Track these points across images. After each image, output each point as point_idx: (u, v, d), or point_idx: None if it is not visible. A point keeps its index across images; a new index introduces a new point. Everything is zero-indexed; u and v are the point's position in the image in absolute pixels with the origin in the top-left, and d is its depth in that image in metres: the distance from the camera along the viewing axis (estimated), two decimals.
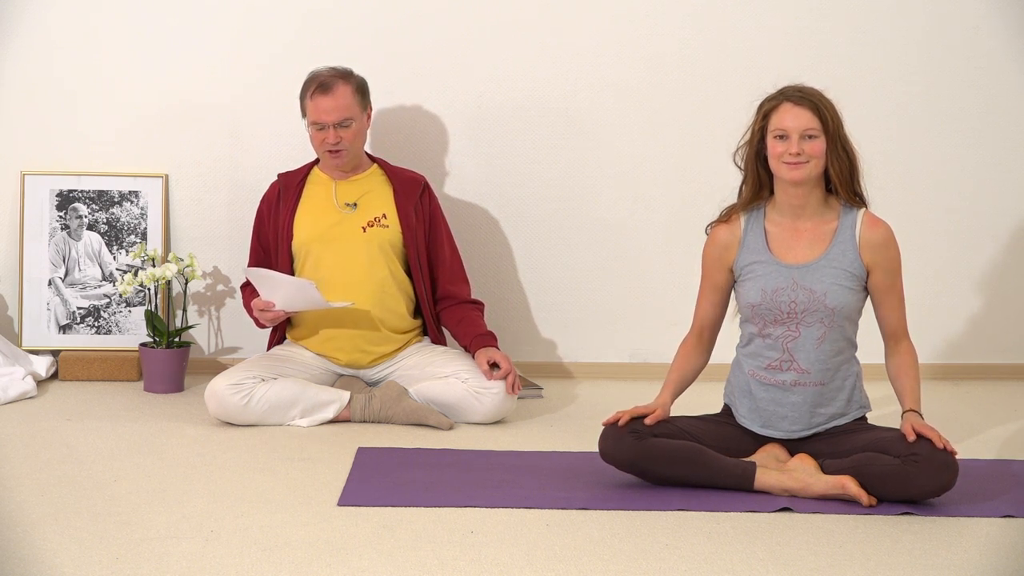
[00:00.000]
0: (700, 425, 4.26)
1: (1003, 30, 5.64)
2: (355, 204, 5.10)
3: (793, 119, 4.11)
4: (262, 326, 5.08)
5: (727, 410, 4.34)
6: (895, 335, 4.27)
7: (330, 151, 5.03)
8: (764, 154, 4.20)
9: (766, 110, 4.18)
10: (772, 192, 4.25)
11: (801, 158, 4.10)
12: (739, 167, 4.28)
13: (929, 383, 5.55)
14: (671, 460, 4.11)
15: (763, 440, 4.25)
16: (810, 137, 4.11)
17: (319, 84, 5.01)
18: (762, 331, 4.21)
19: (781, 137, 4.13)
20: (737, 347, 4.35)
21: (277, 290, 4.89)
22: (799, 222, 4.21)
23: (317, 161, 5.19)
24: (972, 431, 4.90)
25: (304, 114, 5.06)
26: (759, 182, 4.24)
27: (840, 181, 4.15)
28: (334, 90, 5.00)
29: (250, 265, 5.16)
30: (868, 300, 4.26)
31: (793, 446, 4.23)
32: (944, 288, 5.72)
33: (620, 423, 4.18)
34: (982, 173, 5.71)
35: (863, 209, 4.21)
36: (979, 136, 5.68)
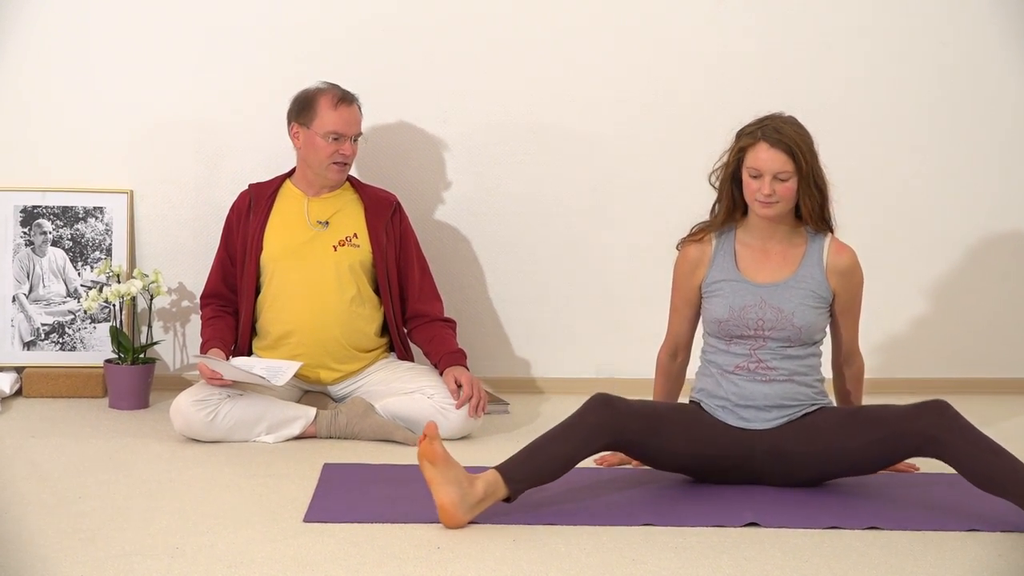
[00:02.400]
0: (669, 413, 4.28)
1: (969, 45, 5.68)
2: (327, 222, 5.09)
3: (767, 161, 4.17)
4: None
5: (696, 406, 4.35)
6: (849, 351, 4.45)
7: (339, 163, 5.03)
8: (740, 178, 4.27)
9: (743, 144, 4.23)
10: (745, 213, 4.33)
11: (772, 198, 4.19)
12: (714, 187, 4.34)
13: (894, 397, 5.55)
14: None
15: (735, 431, 4.26)
16: (782, 180, 4.18)
17: (341, 96, 5.02)
18: (728, 344, 4.30)
19: (755, 176, 4.20)
20: (702, 356, 4.40)
21: (228, 370, 4.84)
22: (768, 244, 4.31)
23: (289, 174, 5.18)
24: None
25: (305, 124, 5.02)
26: (733, 204, 4.31)
27: (810, 215, 4.25)
28: (353, 104, 5.05)
29: (212, 277, 5.17)
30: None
31: (766, 437, 4.25)
32: (906, 302, 5.76)
33: (605, 465, 4.51)
34: (945, 188, 5.76)
35: (830, 235, 4.32)
36: (943, 152, 5.73)
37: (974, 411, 5.47)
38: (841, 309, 4.33)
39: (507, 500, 4.04)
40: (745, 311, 4.25)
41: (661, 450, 4.24)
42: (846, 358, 4.44)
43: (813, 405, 4.27)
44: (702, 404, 4.33)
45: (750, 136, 4.22)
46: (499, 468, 4.05)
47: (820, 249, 4.30)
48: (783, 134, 4.17)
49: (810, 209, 4.23)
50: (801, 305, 4.24)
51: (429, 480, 3.95)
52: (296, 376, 4.99)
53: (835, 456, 4.23)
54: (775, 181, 4.18)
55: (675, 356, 4.50)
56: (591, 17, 5.60)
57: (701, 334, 4.42)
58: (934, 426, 4.09)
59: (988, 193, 5.76)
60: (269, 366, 4.90)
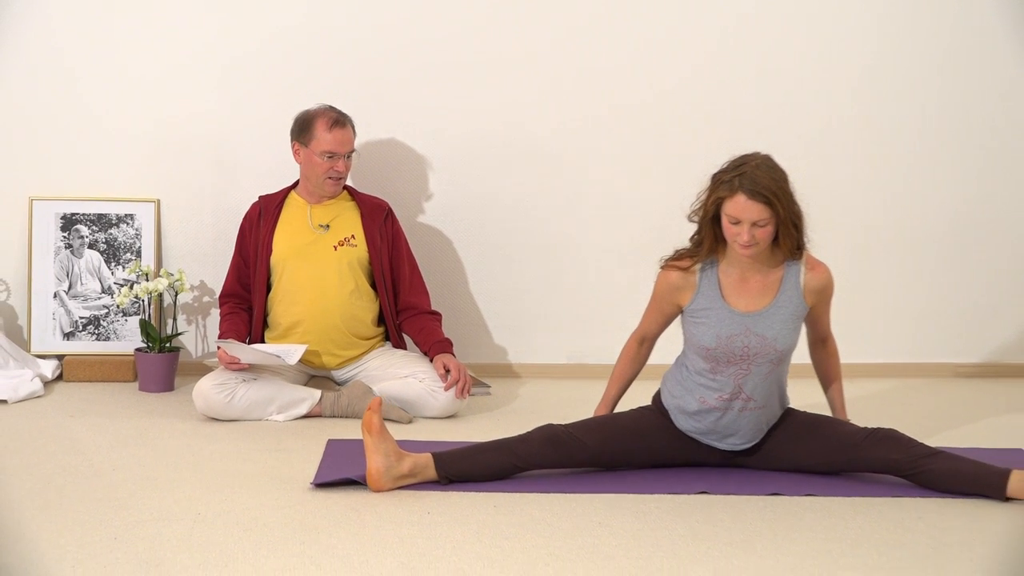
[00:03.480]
0: (623, 441, 4.23)
1: (926, 58, 5.71)
2: (327, 226, 5.14)
3: (746, 211, 3.99)
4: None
5: (661, 409, 4.29)
6: (824, 335, 4.40)
7: (334, 178, 5.07)
8: (719, 216, 4.08)
9: (722, 195, 4.02)
10: (726, 243, 4.14)
11: (751, 242, 4.03)
12: (692, 222, 4.16)
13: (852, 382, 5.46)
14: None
15: (700, 447, 4.26)
16: (761, 226, 4.02)
17: (335, 119, 5.05)
18: (714, 368, 4.16)
19: (734, 223, 4.03)
20: (683, 367, 4.27)
21: (245, 354, 4.86)
22: (748, 273, 4.16)
23: (294, 186, 5.22)
24: (868, 422, 4.80)
25: (304, 143, 5.06)
26: (715, 240, 4.13)
27: (787, 249, 4.10)
28: (346, 125, 5.08)
29: (229, 278, 5.21)
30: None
31: (727, 455, 4.26)
32: (854, 293, 5.70)
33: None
34: (908, 189, 5.79)
35: (804, 254, 4.17)
36: (906, 153, 5.77)
37: (907, 393, 5.38)
38: (816, 313, 4.26)
39: (438, 481, 4.08)
40: (731, 340, 4.10)
41: (615, 466, 4.24)
42: (822, 340, 4.38)
43: (774, 417, 4.26)
44: (670, 416, 4.26)
45: (728, 186, 4.00)
46: (435, 454, 4.07)
47: (797, 272, 4.15)
48: (759, 184, 3.96)
49: (786, 245, 4.08)
50: (783, 330, 4.12)
51: (365, 446, 4.01)
52: (303, 362, 5.05)
53: (792, 469, 4.24)
54: (754, 228, 4.00)
55: (642, 344, 4.38)
56: (565, 41, 5.59)
57: (681, 340, 4.30)
58: (892, 451, 4.08)
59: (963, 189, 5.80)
60: (280, 348, 4.94)
